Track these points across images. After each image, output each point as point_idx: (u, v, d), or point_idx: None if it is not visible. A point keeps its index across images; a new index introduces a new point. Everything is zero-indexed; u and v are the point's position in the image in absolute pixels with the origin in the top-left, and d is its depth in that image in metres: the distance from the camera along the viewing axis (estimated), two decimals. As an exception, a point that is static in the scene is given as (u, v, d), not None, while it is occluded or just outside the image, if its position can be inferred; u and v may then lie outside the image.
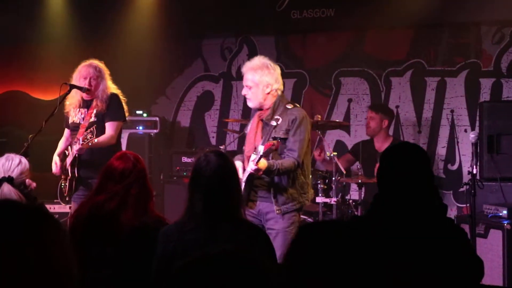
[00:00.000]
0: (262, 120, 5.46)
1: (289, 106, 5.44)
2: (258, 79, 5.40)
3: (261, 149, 5.12)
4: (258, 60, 5.52)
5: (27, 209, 1.68)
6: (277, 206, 5.23)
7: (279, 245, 4.83)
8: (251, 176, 5.26)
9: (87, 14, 8.96)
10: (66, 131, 6.45)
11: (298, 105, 5.61)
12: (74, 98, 6.27)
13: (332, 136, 8.63)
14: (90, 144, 5.75)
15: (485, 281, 3.85)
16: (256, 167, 5.05)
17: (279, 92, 5.47)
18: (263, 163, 5.07)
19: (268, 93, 5.41)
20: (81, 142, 5.74)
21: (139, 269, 3.81)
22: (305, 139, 5.32)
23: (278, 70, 5.50)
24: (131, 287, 3.94)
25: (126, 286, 3.95)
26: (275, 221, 5.23)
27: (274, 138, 5.22)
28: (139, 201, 4.07)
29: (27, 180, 4.69)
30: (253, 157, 5.15)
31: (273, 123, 5.32)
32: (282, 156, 5.29)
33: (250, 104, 5.53)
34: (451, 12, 7.93)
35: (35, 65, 9.09)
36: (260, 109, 5.49)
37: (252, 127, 5.55)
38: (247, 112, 9.02)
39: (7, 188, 4.48)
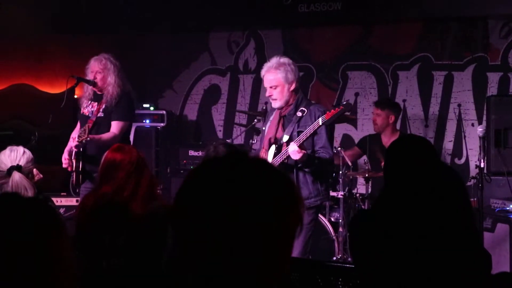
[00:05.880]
0: (283, 116, 5.46)
1: (313, 102, 5.46)
2: (283, 77, 5.39)
3: (285, 138, 5.15)
4: (277, 59, 5.49)
5: (32, 204, 1.66)
6: None
7: (299, 242, 4.83)
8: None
9: (94, 6, 8.96)
10: (78, 122, 6.43)
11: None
12: (86, 91, 6.26)
13: (339, 130, 8.60)
14: (84, 141, 5.71)
15: (493, 275, 3.83)
16: (300, 151, 5.00)
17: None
18: (303, 148, 5.06)
19: (292, 91, 5.42)
20: (76, 140, 5.74)
21: (149, 257, 3.81)
22: (333, 136, 5.37)
23: (296, 68, 5.52)
24: (141, 276, 3.94)
25: (137, 275, 3.95)
26: None
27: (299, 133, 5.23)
28: (147, 190, 4.17)
29: (34, 170, 4.66)
30: (286, 141, 5.13)
31: (299, 113, 5.32)
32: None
33: (276, 104, 5.46)
34: (459, 6, 7.90)
35: (42, 58, 9.08)
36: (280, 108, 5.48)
37: (273, 123, 5.54)
38: (253, 106, 9.02)
39: (18, 175, 4.43)
